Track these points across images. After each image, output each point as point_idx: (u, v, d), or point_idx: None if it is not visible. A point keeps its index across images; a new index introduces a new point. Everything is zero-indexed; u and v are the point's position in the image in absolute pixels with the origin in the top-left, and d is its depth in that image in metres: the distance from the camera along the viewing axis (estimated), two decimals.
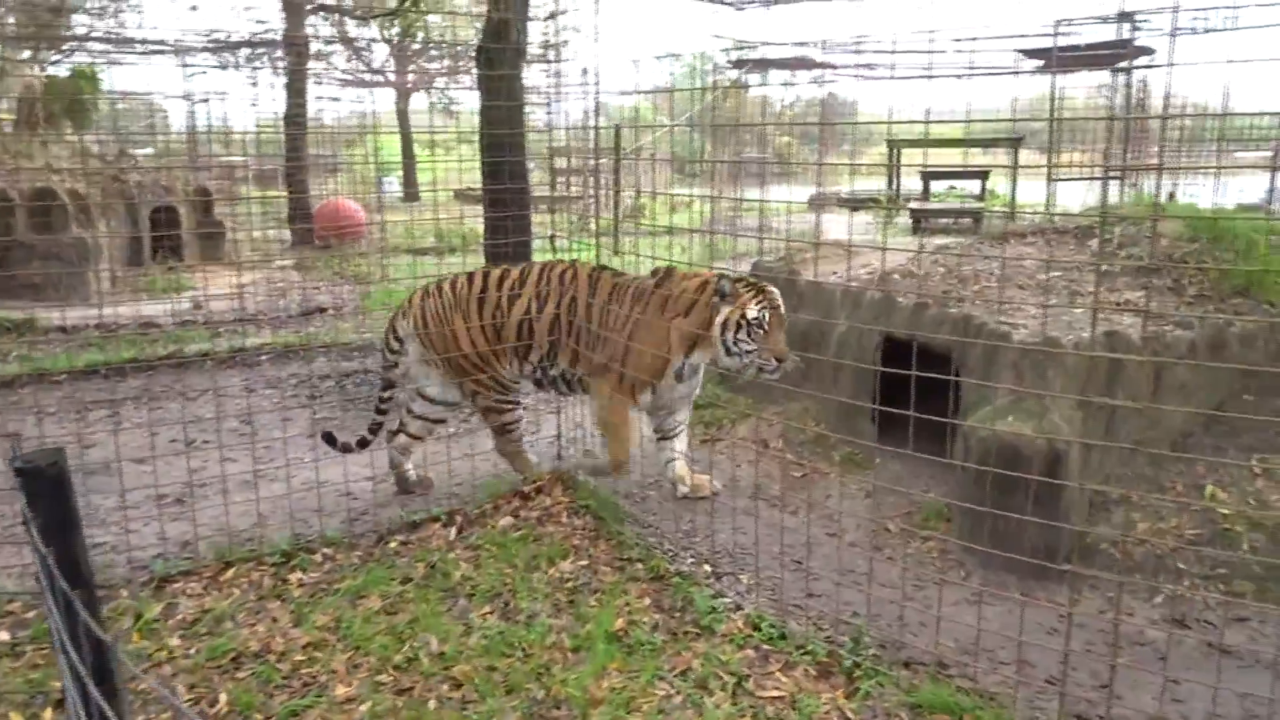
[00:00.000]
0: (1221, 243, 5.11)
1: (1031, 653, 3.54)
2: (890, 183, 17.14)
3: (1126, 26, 11.60)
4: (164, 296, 10.14)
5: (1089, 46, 12.34)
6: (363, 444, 5.29)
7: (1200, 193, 12.40)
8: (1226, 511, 4.22)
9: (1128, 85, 13.27)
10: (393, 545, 4.49)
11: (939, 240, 9.53)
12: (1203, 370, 4.51)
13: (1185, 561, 4.12)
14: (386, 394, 5.37)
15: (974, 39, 13.19)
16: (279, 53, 15.69)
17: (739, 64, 16.79)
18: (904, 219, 13.85)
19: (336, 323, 9.57)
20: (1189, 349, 4.55)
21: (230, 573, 4.17)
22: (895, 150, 16.47)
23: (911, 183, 17.55)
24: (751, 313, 4.58)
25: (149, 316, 9.44)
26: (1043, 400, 4.28)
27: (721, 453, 5.55)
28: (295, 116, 14.18)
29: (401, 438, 5.30)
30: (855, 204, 15.18)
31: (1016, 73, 15.06)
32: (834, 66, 17.23)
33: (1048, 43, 12.40)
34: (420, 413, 5.30)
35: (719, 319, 4.62)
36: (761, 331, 4.58)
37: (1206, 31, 11.18)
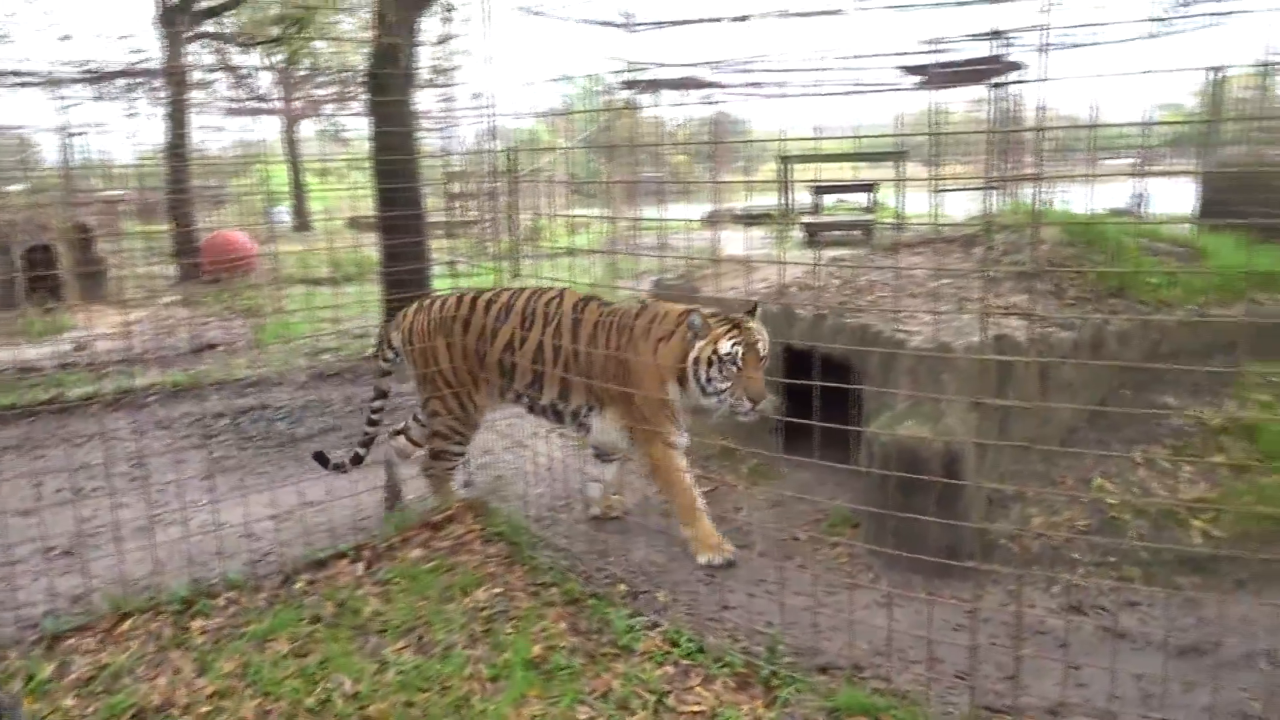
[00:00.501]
0: (1096, 246, 5.39)
1: (941, 649, 3.63)
2: (783, 198, 17.54)
3: (999, 43, 12.15)
4: (43, 339, 9.67)
5: (965, 63, 12.89)
6: (356, 460, 5.24)
7: (1074, 200, 13.01)
8: (1113, 501, 4.42)
9: (1002, 99, 13.88)
10: (299, 585, 4.36)
11: (833, 252, 9.78)
12: (1085, 368, 4.73)
13: (1078, 551, 4.30)
14: (378, 404, 5.26)
15: (858, 57, 13.65)
16: (158, 82, 15.19)
17: (631, 85, 16.98)
18: (798, 233, 14.17)
19: (229, 359, 9.27)
20: (1072, 349, 4.77)
21: (127, 624, 3.98)
22: (786, 166, 16.86)
23: (803, 197, 17.97)
24: (724, 348, 4.36)
25: (28, 360, 8.99)
26: (939, 404, 4.43)
27: (632, 471, 5.57)
28: (177, 147, 13.75)
29: (401, 439, 5.29)
30: (750, 220, 15.48)
31: (898, 89, 15.60)
32: (724, 86, 17.58)
33: (927, 60, 12.89)
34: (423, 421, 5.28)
35: (691, 354, 4.43)
36: (734, 369, 4.35)
37: (1074, 46, 11.79)
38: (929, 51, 12.80)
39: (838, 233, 14.05)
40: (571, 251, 8.94)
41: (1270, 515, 4.23)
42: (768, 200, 18.18)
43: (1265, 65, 15.09)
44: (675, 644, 3.69)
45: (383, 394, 5.29)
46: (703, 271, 6.43)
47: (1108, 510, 4.43)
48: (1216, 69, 13.28)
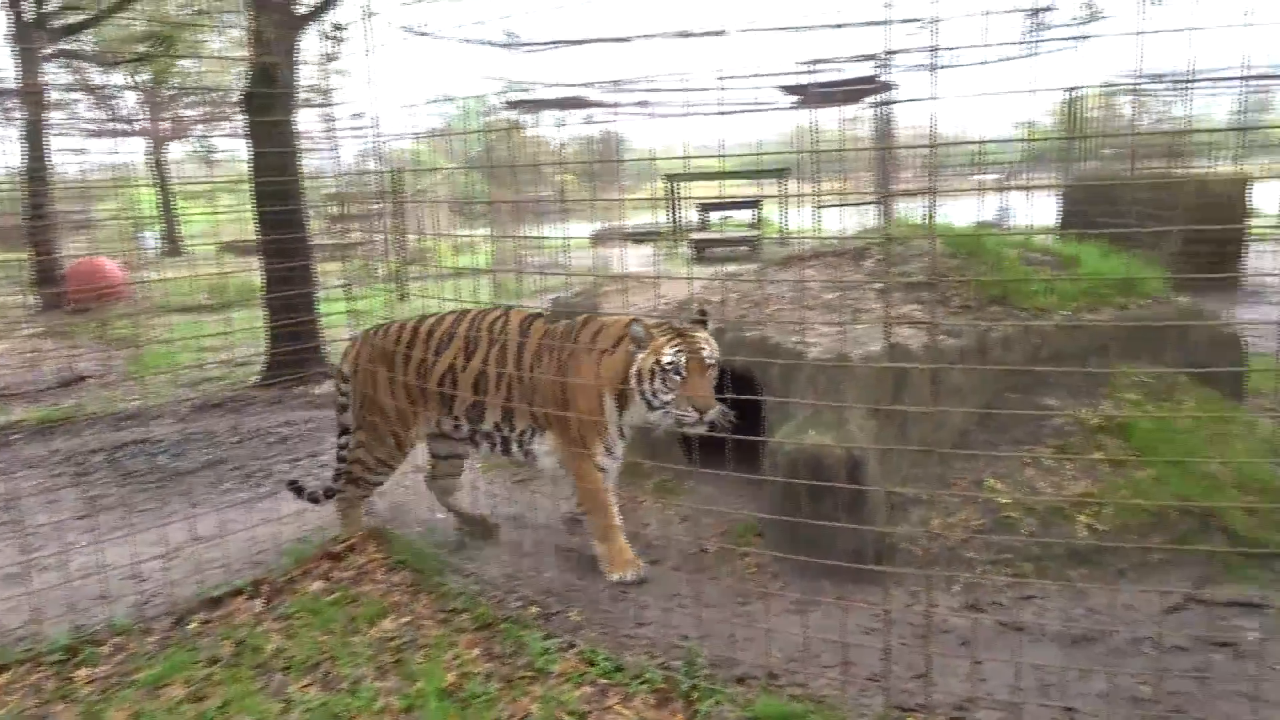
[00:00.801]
0: (977, 257, 5.63)
1: (853, 653, 3.71)
2: (669, 216, 17.76)
3: (873, 64, 12.61)
4: None
5: (841, 83, 13.34)
6: (330, 494, 5.10)
7: (952, 214, 13.57)
8: (1004, 500, 4.61)
9: (878, 118, 14.39)
10: (193, 626, 4.16)
11: (724, 268, 9.95)
12: (973, 373, 4.93)
13: (975, 550, 4.46)
14: (344, 439, 5.11)
15: (739, 77, 13.95)
16: (12, 103, 14.37)
17: (514, 105, 16.93)
18: (686, 249, 14.37)
19: (102, 391, 8.80)
20: (959, 355, 4.97)
21: (4, 678, 3.73)
22: (673, 184, 17.09)
23: (689, 215, 18.23)
24: (666, 357, 4.21)
25: None
26: (840, 412, 4.54)
27: (536, 490, 5.52)
28: (36, 171, 13.03)
29: (440, 482, 5.19)
30: (638, 237, 15.61)
31: (777, 108, 16.01)
32: (608, 105, 17.71)
33: (805, 80, 13.27)
34: (442, 452, 5.16)
35: (634, 366, 4.30)
36: (678, 378, 4.19)
37: (941, 68, 12.33)
38: (806, 72, 13.19)
39: (725, 249, 14.31)
40: (461, 272, 8.82)
41: (1145, 508, 4.48)
42: (653, 218, 18.36)
43: (1112, 86, 16.11)
44: (592, 663, 3.66)
45: (346, 429, 5.11)
46: (603, 289, 6.44)
47: (1000, 509, 4.61)
48: (1072, 89, 14.09)
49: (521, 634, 3.88)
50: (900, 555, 4.47)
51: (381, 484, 5.07)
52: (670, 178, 16.46)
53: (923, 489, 4.62)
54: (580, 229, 17.63)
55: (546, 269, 7.51)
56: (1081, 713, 3.31)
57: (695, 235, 14.94)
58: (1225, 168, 13.10)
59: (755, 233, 15.68)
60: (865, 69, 13.08)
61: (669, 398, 4.22)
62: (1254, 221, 13.91)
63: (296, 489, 5.14)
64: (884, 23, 3.08)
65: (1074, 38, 13.54)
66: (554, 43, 11.82)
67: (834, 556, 4.13)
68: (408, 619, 4.12)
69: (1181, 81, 14.95)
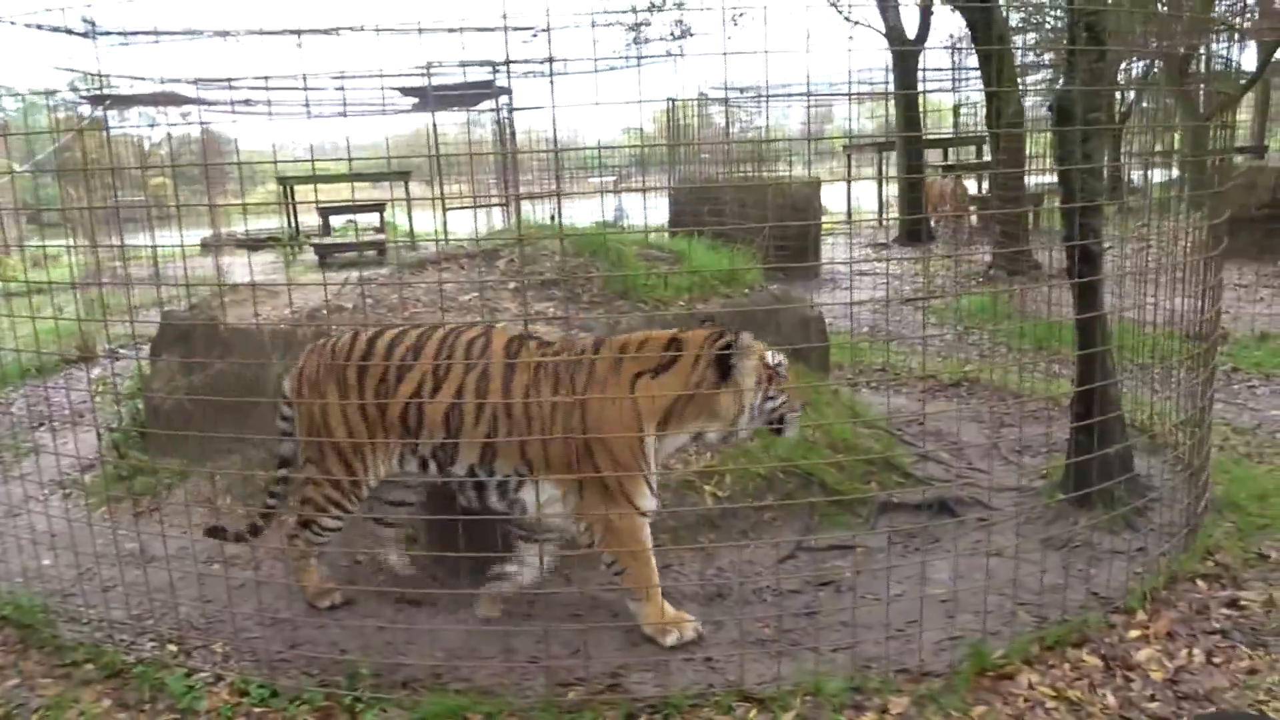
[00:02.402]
0: (599, 255, 6.00)
1: (514, 639, 3.84)
2: (288, 220, 16.87)
3: (489, 70, 12.86)
4: None
5: (458, 86, 13.46)
6: (254, 531, 4.33)
7: (571, 214, 14.23)
8: None
9: (497, 122, 14.70)
10: None
11: (349, 273, 9.67)
12: None
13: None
14: (281, 473, 4.37)
15: (362, 76, 13.59)
16: None
17: (97, 100, 15.17)
18: (309, 255, 13.75)
19: None
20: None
21: None
22: (288, 187, 16.24)
23: (310, 219, 17.44)
24: (773, 358, 3.86)
25: None
26: None
27: (163, 519, 5.06)
28: None
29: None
30: (254, 244, 14.68)
31: (397, 110, 15.79)
32: (208, 103, 16.43)
33: (423, 83, 13.23)
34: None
35: (750, 379, 3.78)
36: (784, 376, 3.92)
37: (556, 75, 12.87)
38: (423, 74, 13.15)
39: (351, 253, 13.88)
40: (50, 286, 7.80)
41: (758, 473, 5.06)
42: (271, 223, 17.36)
43: (704, 97, 17.75)
44: (245, 694, 3.47)
45: (285, 462, 4.37)
46: (221, 300, 6.02)
47: None
48: (671, 100, 15.32)
49: (159, 675, 3.57)
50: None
51: (337, 529, 4.23)
52: (284, 181, 15.62)
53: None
54: (187, 236, 16.22)
55: (145, 281, 6.86)
56: (718, 660, 3.69)
57: (319, 240, 14.32)
58: (799, 172, 14.93)
59: (383, 236, 15.37)
60: (483, 74, 13.32)
61: (782, 398, 3.88)
62: (825, 219, 16.03)
63: (218, 532, 4.32)
64: (499, 29, 3.20)
65: (672, 54, 14.75)
66: (141, 33, 10.76)
67: (489, 551, 4.22)
68: (15, 681, 3.63)
69: (761, 96, 16.85)
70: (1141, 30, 6.02)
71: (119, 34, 9.95)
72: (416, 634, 3.84)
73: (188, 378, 5.64)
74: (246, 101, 16.23)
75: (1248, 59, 21.25)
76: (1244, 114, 25.24)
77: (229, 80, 13.96)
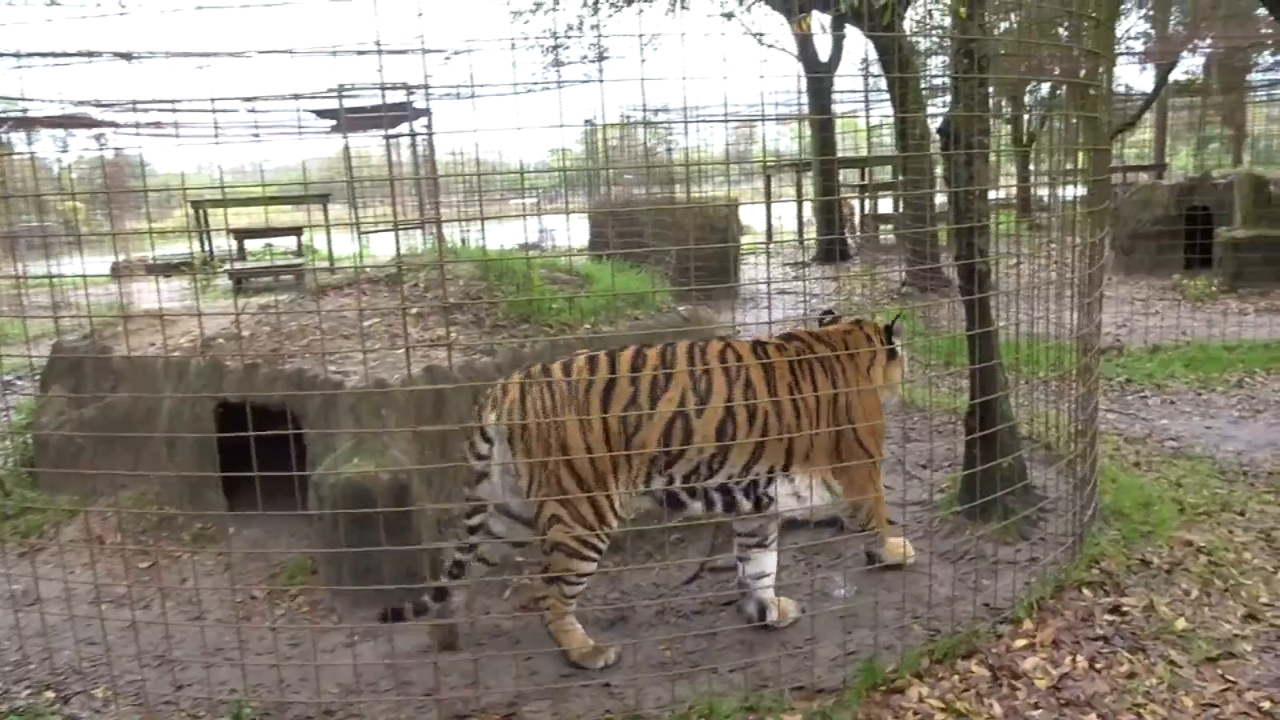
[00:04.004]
0: (505, 278, 5.98)
1: (410, 672, 3.78)
2: (201, 245, 16.52)
3: (406, 92, 12.76)
4: None
5: (374, 108, 13.34)
6: (440, 596, 4.00)
7: (497, 236, 14.17)
8: None
9: (415, 144, 14.59)
10: None
11: (263, 299, 9.50)
12: None
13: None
14: (476, 520, 3.99)
15: (276, 98, 13.36)
16: None
17: None
18: (225, 281, 13.48)
19: None
20: (495, 371, 5.24)
21: None
22: (201, 211, 15.91)
23: (226, 243, 17.10)
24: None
25: None
26: (382, 438, 4.59)
27: (48, 560, 4.89)
28: None
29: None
30: (166, 269, 14.33)
31: (312, 132, 15.58)
32: (116, 125, 16.04)
33: (337, 105, 13.08)
34: (500, 532, 4.06)
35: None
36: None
37: (473, 96, 12.83)
38: (338, 96, 12.99)
39: (267, 278, 13.64)
40: None
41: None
42: (185, 248, 16.97)
43: (625, 119, 17.87)
44: None
45: (478, 509, 4.00)
46: (113, 329, 5.86)
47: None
48: (589, 122, 15.39)
49: None
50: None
51: (591, 574, 3.90)
52: (198, 205, 15.29)
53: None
54: (98, 262, 15.75)
55: (63, 312, 6.64)
56: (617, 685, 3.68)
57: (235, 266, 14.04)
58: (718, 192, 15.11)
59: (300, 260, 15.12)
60: (400, 95, 13.21)
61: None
62: (744, 238, 16.23)
63: (398, 614, 3.96)
64: (417, 51, 3.19)
65: (589, 77, 14.81)
66: (38, 54, 10.45)
67: (386, 581, 4.17)
68: None
69: (681, 120, 16.99)
70: (1041, 55, 6.23)
71: (13, 55, 9.65)
72: (310, 670, 3.75)
73: (77, 411, 5.46)
74: (155, 124, 15.88)
75: (1146, 81, 22.20)
76: (1147, 133, 26.34)
77: (134, 103, 13.65)
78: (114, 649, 3.83)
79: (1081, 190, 4.81)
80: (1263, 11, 16.17)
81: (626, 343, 4.21)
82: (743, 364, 3.95)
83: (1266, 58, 23.21)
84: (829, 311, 4.60)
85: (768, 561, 4.17)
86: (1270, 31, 18.35)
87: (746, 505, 4.02)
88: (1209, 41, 20.24)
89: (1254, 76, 24.66)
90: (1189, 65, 23.37)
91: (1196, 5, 19.25)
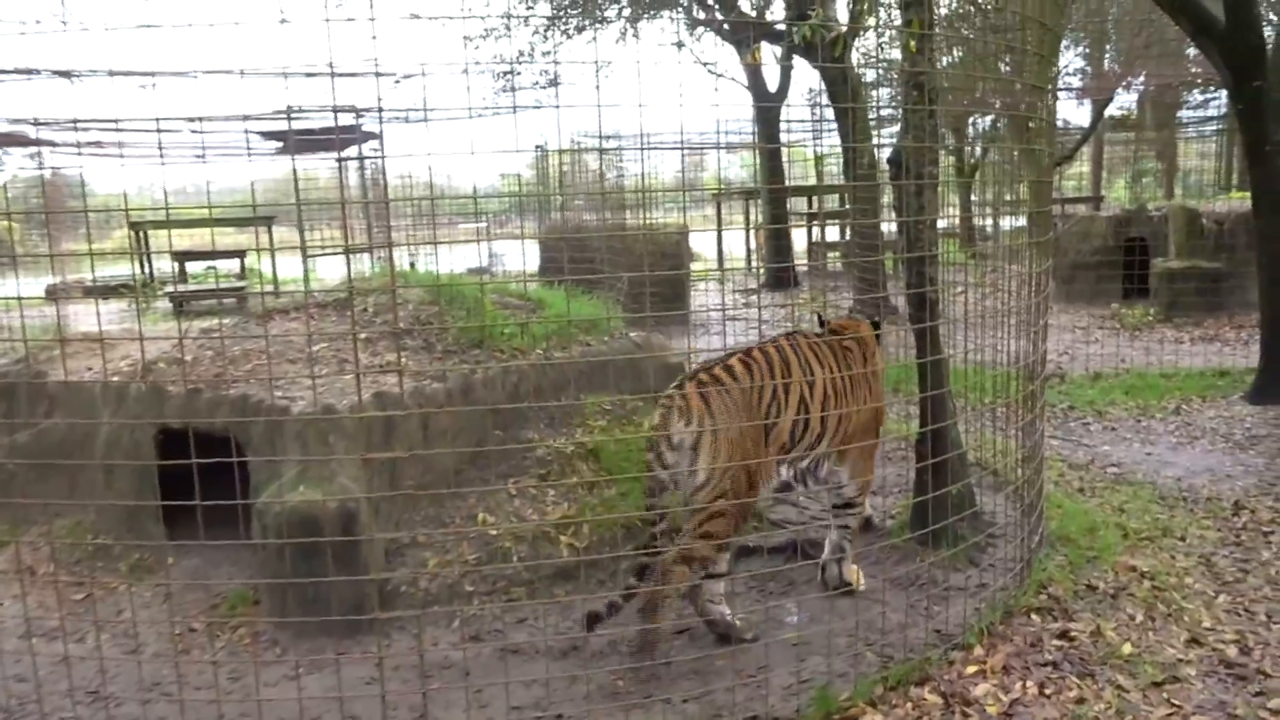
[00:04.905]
0: (456, 303, 5.92)
1: (356, 705, 3.69)
2: (142, 266, 16.16)
3: (353, 115, 12.66)
4: None
5: (322, 130, 13.20)
6: (630, 596, 4.05)
7: (449, 260, 14.05)
8: (495, 532, 4.89)
9: (361, 168, 14.47)
10: None
11: (205, 322, 9.31)
12: (460, 414, 5.17)
13: (472, 583, 4.67)
14: (661, 527, 4.10)
15: (222, 119, 13.14)
16: None
17: None
18: (165, 303, 13.18)
19: None
20: (446, 398, 5.18)
21: None
22: (141, 233, 15.57)
23: (166, 265, 16.75)
24: None
25: None
26: (329, 465, 4.49)
27: None
28: None
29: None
30: (105, 291, 14.00)
31: (258, 154, 15.37)
32: (54, 145, 15.66)
33: (284, 126, 12.93)
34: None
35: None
36: None
37: (424, 120, 12.76)
38: (285, 117, 12.84)
39: (210, 301, 13.38)
40: None
41: (615, 521, 5.03)
42: (124, 269, 16.59)
43: (577, 146, 17.92)
44: None
45: (659, 516, 4.12)
46: (49, 353, 5.69)
47: (493, 541, 4.88)
48: (540, 147, 15.40)
49: None
50: (401, 599, 4.53)
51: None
52: (136, 226, 14.95)
53: (418, 531, 4.74)
54: (33, 284, 15.31)
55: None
56: (570, 716, 3.62)
57: (176, 288, 13.74)
58: (669, 219, 15.19)
59: (243, 283, 14.86)
60: (348, 118, 13.10)
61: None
62: (694, 265, 16.31)
63: (596, 618, 4.02)
64: (368, 74, 3.15)
65: (540, 103, 14.83)
66: None
67: (332, 612, 4.07)
68: None
69: (632, 146, 17.09)
70: (984, 88, 6.37)
71: None
72: (250, 706, 3.64)
73: (10, 437, 5.28)
74: (96, 144, 15.55)
75: (1083, 116, 22.85)
76: (1084, 166, 27.07)
77: (75, 122, 13.37)
78: (45, 685, 3.68)
79: (1022, 221, 4.91)
80: (1193, 51, 16.77)
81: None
82: (822, 354, 4.44)
83: (1196, 95, 24.02)
84: (817, 314, 4.96)
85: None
86: (1199, 70, 19.02)
87: (815, 486, 4.55)
88: (1142, 79, 20.91)
89: (1184, 113, 25.49)
90: (1124, 101, 24.09)
91: (1130, 44, 19.88)
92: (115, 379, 5.23)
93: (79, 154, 15.17)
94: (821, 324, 4.80)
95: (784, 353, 4.33)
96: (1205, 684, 3.73)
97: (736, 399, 4.09)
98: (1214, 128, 24.11)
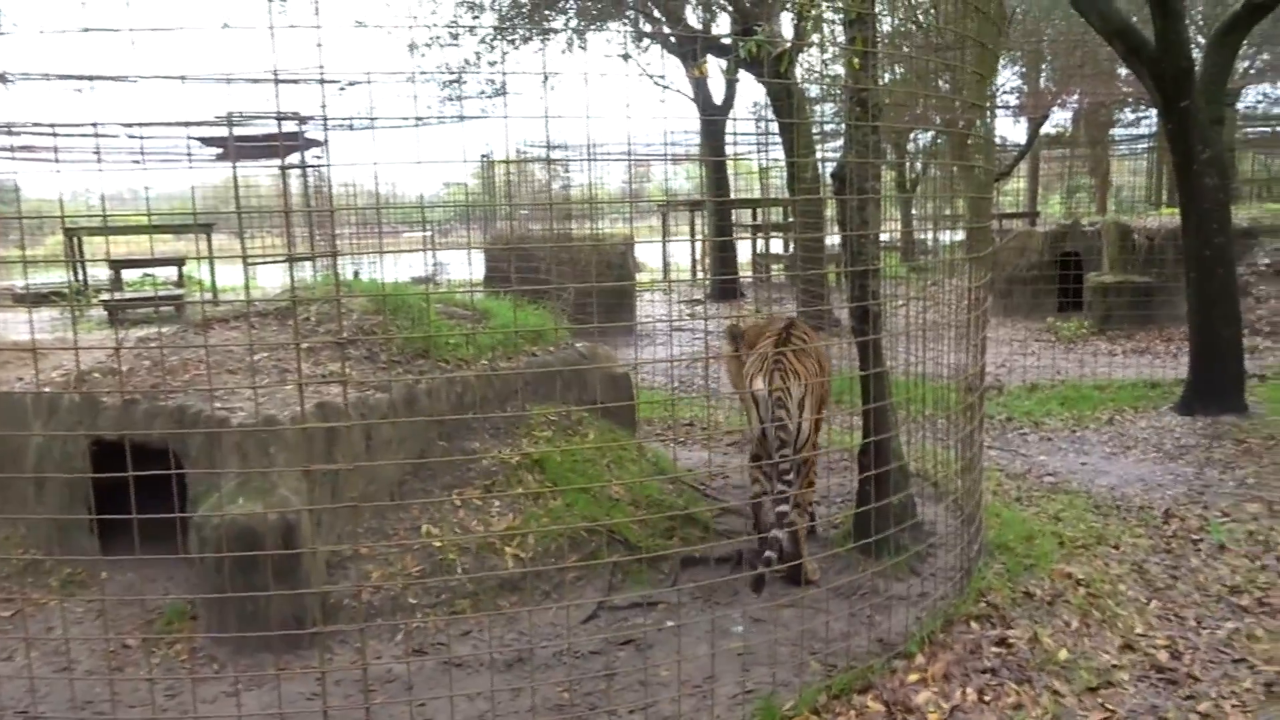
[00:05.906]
0: (400, 313, 5.87)
1: None
2: (75, 273, 15.78)
3: (296, 122, 12.50)
4: None
5: (264, 137, 13.01)
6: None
7: (381, 270, 13.91)
8: (439, 543, 4.85)
9: (304, 175, 14.28)
10: None
11: (141, 331, 9.09)
12: (404, 424, 5.12)
13: (416, 596, 4.63)
14: (790, 476, 4.67)
15: (160, 125, 12.91)
16: None
17: None
18: (100, 311, 12.87)
19: None
20: (389, 408, 5.13)
21: None
22: (75, 239, 15.19)
23: (101, 272, 16.36)
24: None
25: None
26: (269, 477, 4.42)
27: None
28: None
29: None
30: (37, 299, 13.63)
31: (196, 160, 15.10)
32: None
33: (224, 133, 12.73)
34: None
35: None
36: None
37: (369, 128, 12.65)
38: (225, 124, 12.64)
39: (146, 309, 13.08)
40: None
41: (561, 532, 5.02)
42: (57, 276, 16.16)
43: (523, 155, 17.88)
44: None
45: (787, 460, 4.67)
46: None
47: (437, 552, 4.83)
48: (485, 156, 15.34)
49: None
50: (344, 613, 4.46)
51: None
52: (71, 232, 14.59)
53: (361, 543, 4.68)
54: None
55: None
56: None
57: (111, 295, 13.41)
58: (614, 229, 15.22)
59: (181, 291, 14.57)
60: (290, 125, 12.92)
61: None
62: (640, 275, 16.36)
63: (759, 581, 4.38)
64: (313, 80, 3.12)
65: (487, 113, 14.78)
66: None
67: (271, 626, 4.01)
68: None
69: (578, 157, 17.10)
70: (924, 105, 6.49)
71: None
72: None
73: None
74: (28, 148, 15.15)
75: (1020, 133, 23.41)
76: (1021, 182, 27.72)
77: (8, 126, 13.03)
78: None
79: (961, 235, 5.02)
80: (1124, 70, 17.28)
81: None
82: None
83: (1128, 114, 24.77)
84: (791, 318, 5.60)
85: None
86: (1130, 90, 19.61)
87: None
88: (1076, 97, 21.51)
89: (1117, 131, 26.26)
90: (1059, 119, 24.75)
91: (1065, 64, 20.44)
92: (47, 389, 5.09)
93: (12, 158, 14.77)
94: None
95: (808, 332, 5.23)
96: (1138, 688, 3.84)
97: (818, 360, 5.03)
98: (1145, 145, 24.86)
